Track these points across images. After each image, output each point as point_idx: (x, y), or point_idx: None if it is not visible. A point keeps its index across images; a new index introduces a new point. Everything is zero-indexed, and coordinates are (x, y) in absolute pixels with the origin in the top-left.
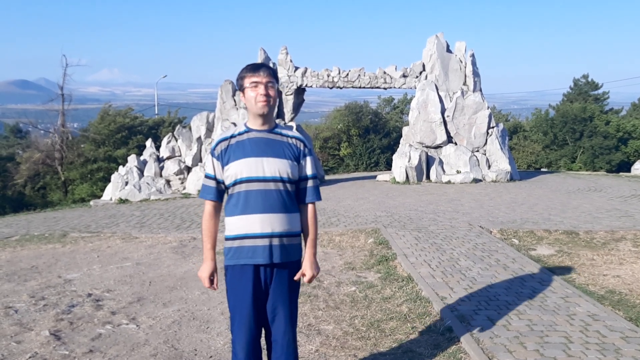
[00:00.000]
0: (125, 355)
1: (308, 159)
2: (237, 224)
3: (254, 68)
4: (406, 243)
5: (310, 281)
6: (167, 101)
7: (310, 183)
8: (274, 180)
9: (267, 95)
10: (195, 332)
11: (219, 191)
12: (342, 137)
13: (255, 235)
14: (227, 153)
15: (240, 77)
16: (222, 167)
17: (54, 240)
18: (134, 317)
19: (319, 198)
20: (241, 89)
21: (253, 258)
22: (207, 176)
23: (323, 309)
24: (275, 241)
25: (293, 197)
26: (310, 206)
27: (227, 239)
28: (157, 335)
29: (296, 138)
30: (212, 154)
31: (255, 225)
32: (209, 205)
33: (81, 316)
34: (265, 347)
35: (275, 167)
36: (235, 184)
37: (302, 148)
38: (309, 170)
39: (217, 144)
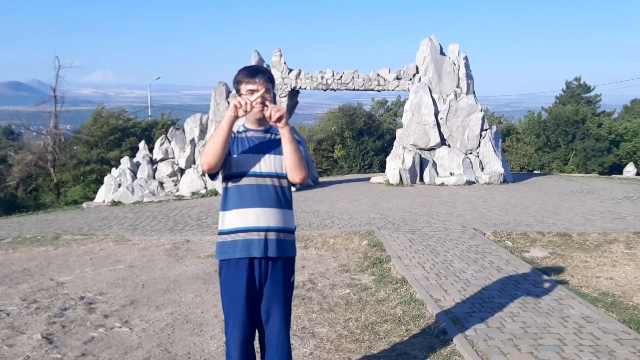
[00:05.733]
0: (118, 359)
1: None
2: (232, 218)
3: (250, 73)
4: (400, 245)
5: (280, 117)
6: (161, 103)
7: None
8: (269, 175)
9: (263, 104)
10: (188, 335)
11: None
12: (335, 139)
13: (251, 228)
14: (232, 145)
15: (237, 81)
16: (230, 151)
17: (46, 243)
18: (127, 320)
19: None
20: (238, 93)
21: (248, 251)
22: None
23: (317, 311)
24: (271, 235)
25: (288, 194)
26: None
27: (222, 232)
28: (150, 338)
29: None
30: None
31: (251, 219)
32: None
33: (73, 319)
34: (259, 350)
35: (272, 163)
36: (232, 177)
37: None
38: None
39: None
